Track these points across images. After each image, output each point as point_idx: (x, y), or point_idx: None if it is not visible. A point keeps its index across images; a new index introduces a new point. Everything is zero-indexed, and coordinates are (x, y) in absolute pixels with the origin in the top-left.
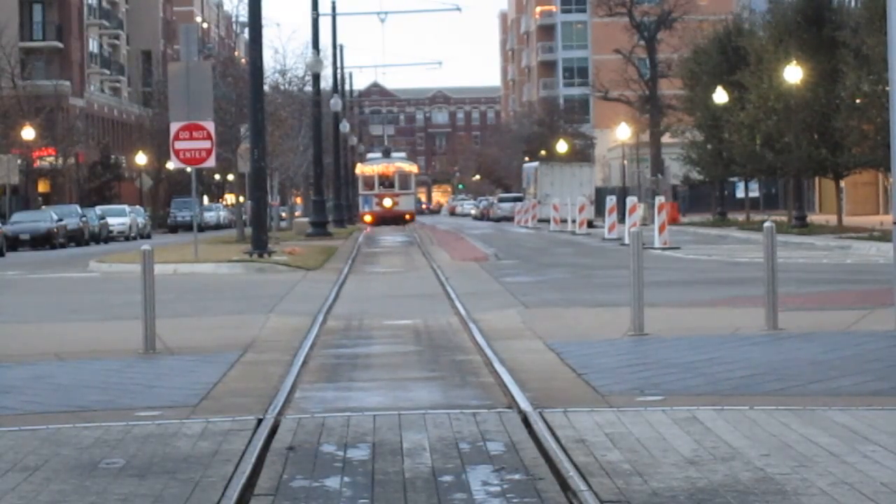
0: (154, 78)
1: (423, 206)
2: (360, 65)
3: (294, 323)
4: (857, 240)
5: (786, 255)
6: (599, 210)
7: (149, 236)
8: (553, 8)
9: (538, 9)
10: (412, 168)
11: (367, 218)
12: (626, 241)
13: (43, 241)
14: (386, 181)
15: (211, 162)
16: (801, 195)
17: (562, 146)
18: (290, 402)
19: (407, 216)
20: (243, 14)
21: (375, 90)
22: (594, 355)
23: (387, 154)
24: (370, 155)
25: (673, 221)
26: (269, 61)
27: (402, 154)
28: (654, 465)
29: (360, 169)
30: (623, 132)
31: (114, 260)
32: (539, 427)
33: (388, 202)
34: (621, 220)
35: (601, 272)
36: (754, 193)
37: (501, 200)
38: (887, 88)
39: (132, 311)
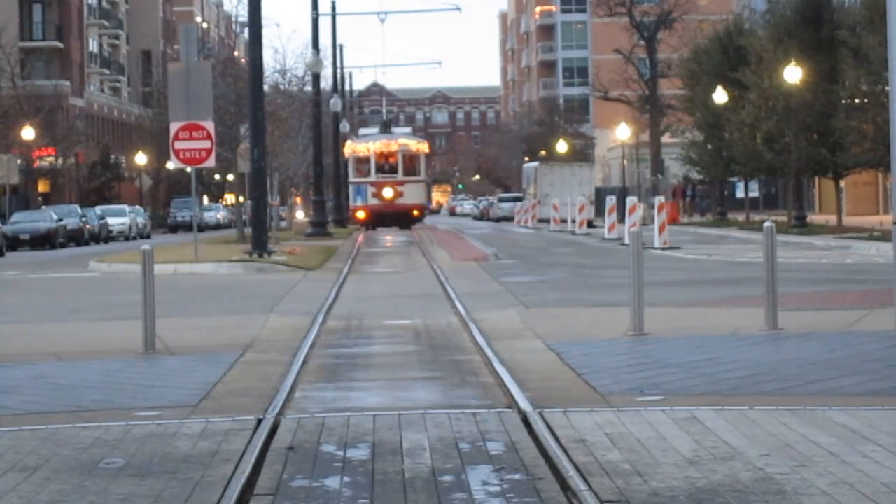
0: (154, 78)
1: None
2: (360, 65)
3: (294, 323)
4: (857, 240)
5: (786, 255)
6: (599, 210)
7: (149, 236)
8: (553, 8)
9: (538, 9)
10: (421, 146)
11: (361, 214)
12: (626, 241)
13: (43, 241)
14: (386, 164)
15: (211, 162)
16: (800, 195)
17: (562, 146)
18: (290, 401)
19: (414, 212)
20: (243, 14)
21: (375, 90)
22: (594, 355)
23: (386, 128)
24: (364, 130)
25: (673, 221)
26: (269, 61)
27: (407, 130)
28: (654, 465)
29: (352, 147)
30: (623, 132)
31: (114, 260)
32: (539, 427)
33: (388, 192)
34: (621, 220)
35: (601, 272)
36: (754, 193)
37: (501, 200)
38: (886, 88)
39: (132, 311)
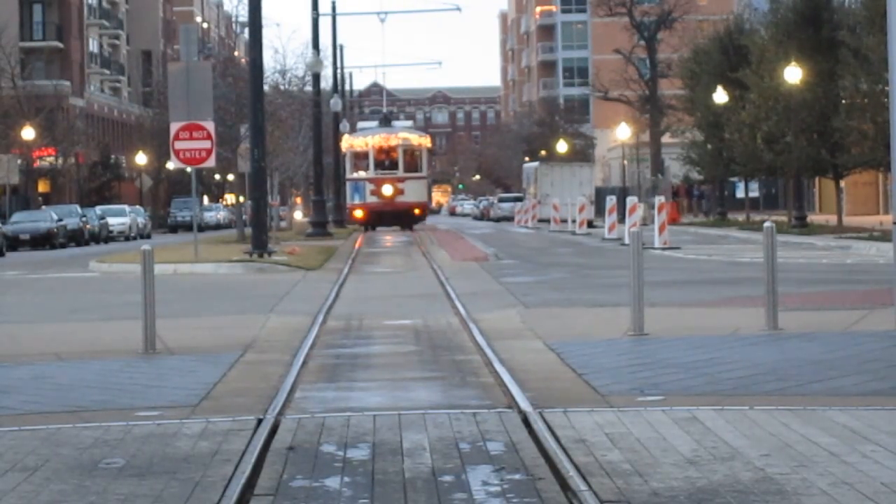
0: (154, 78)
1: None
2: (360, 65)
3: (294, 323)
4: (857, 240)
5: (786, 255)
6: (599, 210)
7: (149, 236)
8: (553, 8)
9: (538, 9)
10: (423, 141)
11: (359, 213)
12: (626, 241)
13: (43, 241)
14: (386, 159)
15: (211, 162)
16: (801, 195)
17: (562, 146)
18: (290, 402)
19: (416, 210)
20: (243, 14)
21: (375, 90)
22: (594, 355)
23: (386, 122)
24: (363, 124)
25: (673, 221)
26: (269, 61)
27: (409, 123)
28: (654, 465)
29: (349, 142)
30: (623, 132)
31: (114, 260)
32: (539, 427)
33: (387, 190)
34: (621, 220)
35: (601, 272)
36: (754, 193)
37: (501, 200)
38: (886, 88)
39: (132, 311)
